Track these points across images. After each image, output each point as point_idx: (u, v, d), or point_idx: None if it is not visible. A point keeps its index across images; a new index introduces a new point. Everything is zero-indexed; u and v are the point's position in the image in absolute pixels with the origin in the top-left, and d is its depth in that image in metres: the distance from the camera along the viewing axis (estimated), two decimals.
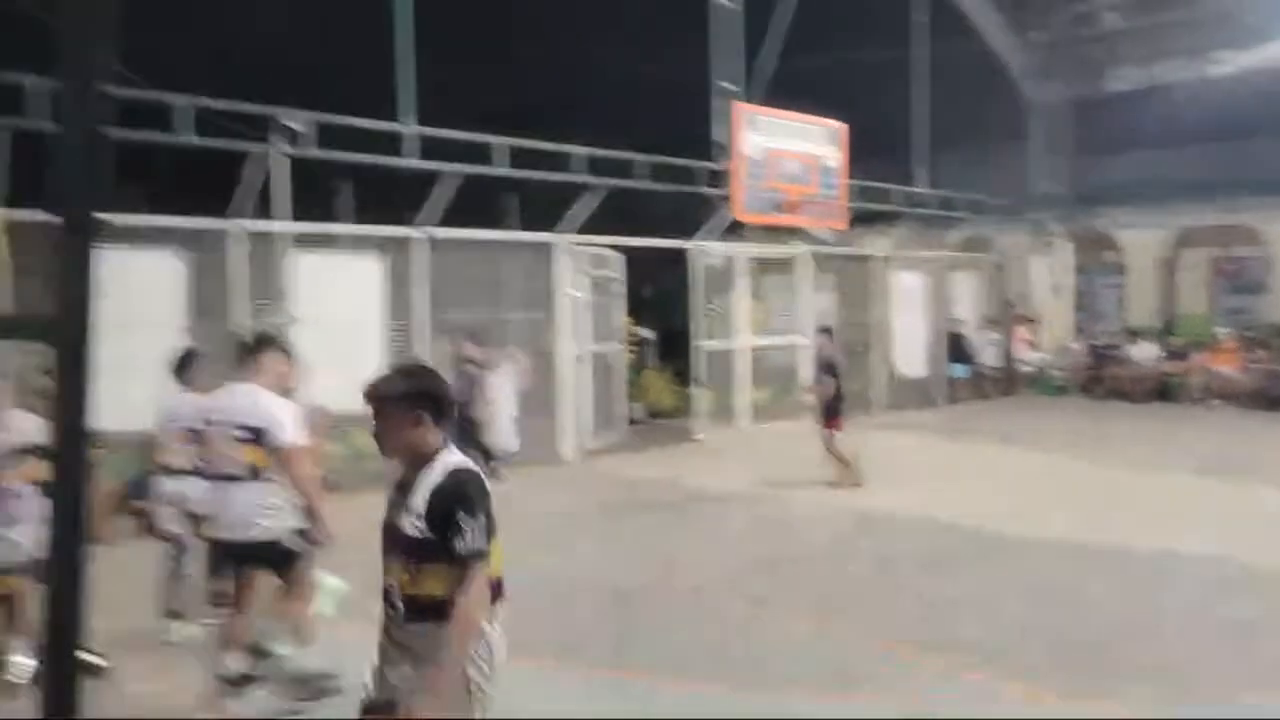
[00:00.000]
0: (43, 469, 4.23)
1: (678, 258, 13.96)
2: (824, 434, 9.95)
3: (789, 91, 14.35)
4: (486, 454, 10.84)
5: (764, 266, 15.12)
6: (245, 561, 4.69)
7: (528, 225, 13.20)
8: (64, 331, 1.96)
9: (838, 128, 15.34)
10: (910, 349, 16.94)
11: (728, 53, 13.63)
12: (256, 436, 4.58)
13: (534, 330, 11.88)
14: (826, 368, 10.14)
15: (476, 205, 13.14)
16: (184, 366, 5.93)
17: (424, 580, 2.83)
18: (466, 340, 10.61)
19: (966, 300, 18.29)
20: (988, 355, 18.11)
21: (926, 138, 16.88)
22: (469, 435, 10.77)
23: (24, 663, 4.94)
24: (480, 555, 2.80)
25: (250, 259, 9.54)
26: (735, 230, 14.59)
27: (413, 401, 2.92)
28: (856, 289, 16.04)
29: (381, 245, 10.73)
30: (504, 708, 2.91)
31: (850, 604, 6.32)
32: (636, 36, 13.86)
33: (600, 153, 12.37)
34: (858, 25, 14.94)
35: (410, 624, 2.86)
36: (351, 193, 17.13)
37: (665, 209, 14.68)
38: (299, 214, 10.53)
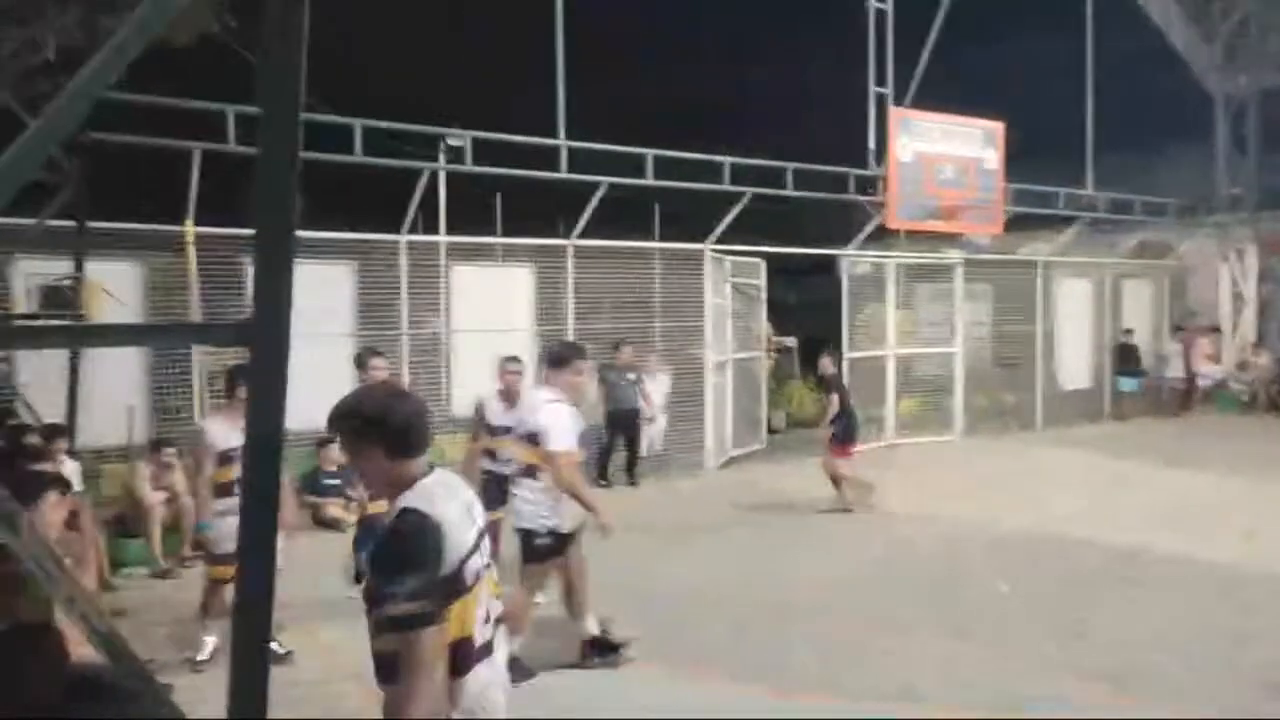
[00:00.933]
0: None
1: (826, 265, 13.73)
2: (826, 459, 9.47)
3: (946, 91, 13.90)
4: (633, 459, 11.01)
5: (916, 273, 14.67)
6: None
7: (676, 234, 13.31)
8: (263, 337, 2.13)
9: (995, 128, 14.72)
10: (1074, 360, 16.02)
11: (880, 55, 13.31)
12: (533, 440, 5.17)
13: (678, 338, 11.98)
14: (832, 387, 9.75)
15: (625, 215, 13.35)
16: (361, 364, 6.39)
17: (377, 634, 2.40)
18: (627, 346, 10.84)
19: (1140, 309, 17.14)
20: (1162, 368, 16.92)
21: (1095, 136, 15.92)
22: (622, 439, 10.98)
23: (210, 641, 5.39)
24: (401, 624, 2.30)
25: (412, 269, 10.06)
26: (881, 237, 14.22)
27: (362, 430, 2.51)
28: (1015, 297, 15.30)
29: (532, 255, 11.08)
30: (630, 706, 2.82)
31: (994, 626, 6.04)
32: (786, 44, 13.75)
33: (748, 161, 12.33)
34: (1019, 19, 14.31)
35: (378, 683, 2.45)
36: (500, 205, 17.78)
37: (815, 216, 14.46)
38: (455, 226, 11.03)
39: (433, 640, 2.33)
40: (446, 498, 2.51)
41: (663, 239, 13.76)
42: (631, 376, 10.87)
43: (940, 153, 14.06)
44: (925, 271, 14.74)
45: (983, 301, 15.09)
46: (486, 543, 2.63)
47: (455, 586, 2.40)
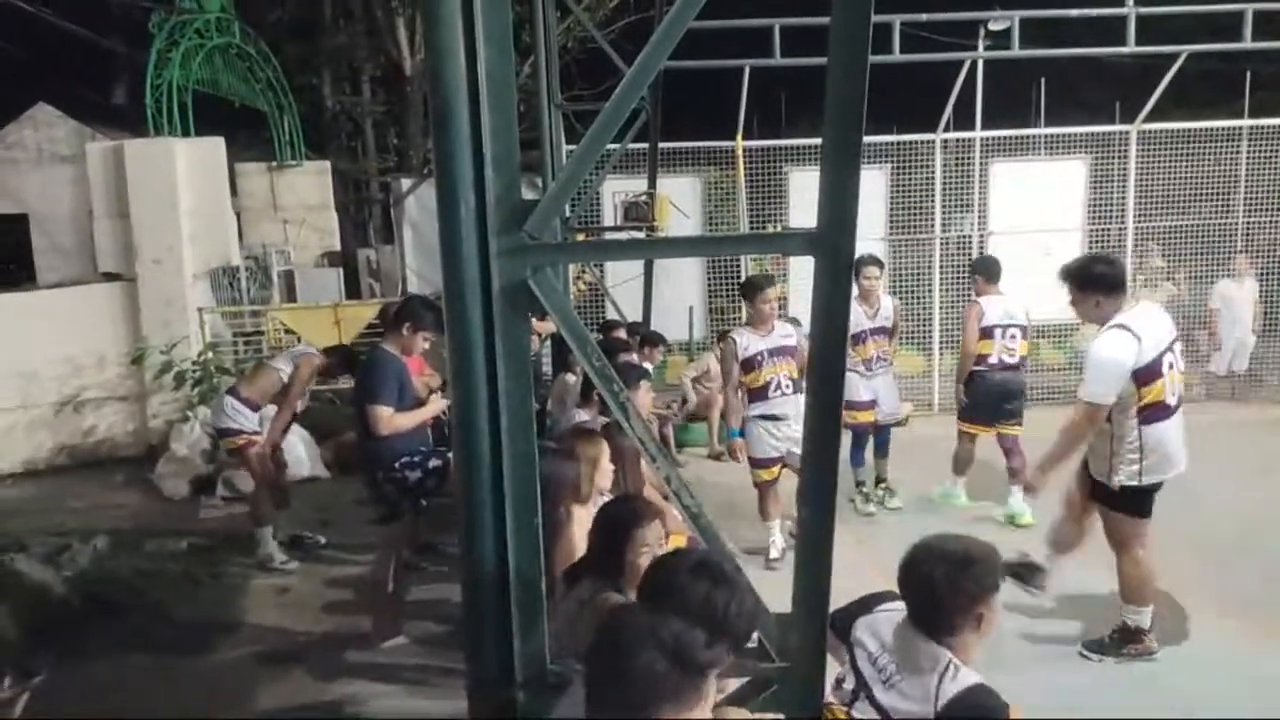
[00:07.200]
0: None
1: None
2: None
3: None
4: None
5: None
6: None
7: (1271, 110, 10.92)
8: (829, 244, 2.20)
9: None
10: None
11: None
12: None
13: (1270, 235, 9.99)
14: None
15: (1200, 93, 11.29)
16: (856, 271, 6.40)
17: None
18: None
19: None
20: None
21: None
22: None
23: (778, 542, 5.67)
24: None
25: (946, 170, 9.68)
26: None
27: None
28: None
29: (1085, 146, 9.95)
30: None
31: None
32: None
33: None
34: None
35: None
36: (1043, 94, 16.18)
37: None
38: (993, 122, 10.30)
39: None
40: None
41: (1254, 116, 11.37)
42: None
43: None
44: None
45: None
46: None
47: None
